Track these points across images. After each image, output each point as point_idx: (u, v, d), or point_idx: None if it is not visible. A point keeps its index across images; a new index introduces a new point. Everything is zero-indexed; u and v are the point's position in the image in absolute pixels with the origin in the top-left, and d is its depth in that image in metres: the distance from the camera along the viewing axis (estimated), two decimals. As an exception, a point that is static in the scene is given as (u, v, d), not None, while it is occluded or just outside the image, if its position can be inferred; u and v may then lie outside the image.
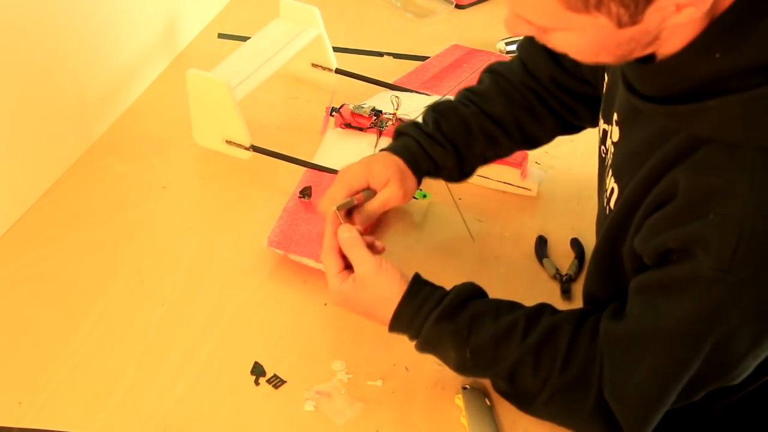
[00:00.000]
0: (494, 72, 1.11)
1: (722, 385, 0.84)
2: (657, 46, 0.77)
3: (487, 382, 0.97)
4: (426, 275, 0.95)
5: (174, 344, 1.02)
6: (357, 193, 1.01)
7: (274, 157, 1.25)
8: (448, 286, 0.93)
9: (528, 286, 1.10)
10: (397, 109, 1.26)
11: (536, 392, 0.89)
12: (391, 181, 1.02)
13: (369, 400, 0.96)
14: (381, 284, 0.93)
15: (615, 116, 0.92)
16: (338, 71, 1.44)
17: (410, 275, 0.94)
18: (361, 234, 0.96)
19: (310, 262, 1.09)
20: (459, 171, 1.09)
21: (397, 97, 1.28)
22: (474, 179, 1.15)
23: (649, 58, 0.79)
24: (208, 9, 1.62)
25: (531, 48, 1.08)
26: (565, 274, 1.11)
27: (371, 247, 0.96)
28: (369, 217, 1.02)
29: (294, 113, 1.40)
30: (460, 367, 0.93)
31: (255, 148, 1.25)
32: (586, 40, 0.76)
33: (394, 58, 1.53)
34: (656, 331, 0.82)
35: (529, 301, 0.93)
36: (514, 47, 1.52)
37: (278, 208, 1.17)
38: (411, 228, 1.20)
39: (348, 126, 1.29)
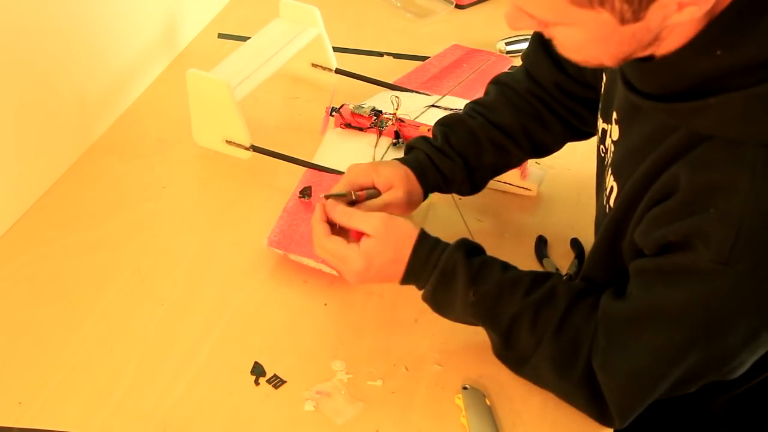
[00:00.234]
0: (500, 83, 1.12)
1: (718, 379, 0.84)
2: (656, 46, 0.77)
3: (487, 382, 0.97)
4: (426, 274, 0.95)
5: (174, 344, 1.02)
6: (361, 190, 1.01)
7: (274, 157, 1.25)
8: (448, 286, 0.94)
9: (528, 286, 1.10)
10: (397, 109, 1.26)
11: (529, 353, 0.90)
12: (396, 184, 1.03)
13: (369, 400, 0.96)
14: (398, 227, 0.94)
15: (614, 115, 0.92)
16: (338, 71, 1.44)
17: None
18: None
19: (310, 262, 1.09)
20: (470, 183, 1.10)
21: (397, 97, 1.28)
22: (474, 179, 1.15)
23: (648, 58, 0.80)
24: (208, 9, 1.62)
25: (534, 56, 1.09)
26: (565, 274, 1.11)
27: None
28: None
29: (294, 113, 1.40)
30: (461, 312, 0.94)
31: (255, 148, 1.25)
32: (588, 36, 0.76)
33: (394, 58, 1.52)
34: (653, 312, 0.83)
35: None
36: (514, 47, 1.52)
37: (278, 208, 1.17)
38: (411, 228, 1.20)
39: (348, 126, 1.29)
